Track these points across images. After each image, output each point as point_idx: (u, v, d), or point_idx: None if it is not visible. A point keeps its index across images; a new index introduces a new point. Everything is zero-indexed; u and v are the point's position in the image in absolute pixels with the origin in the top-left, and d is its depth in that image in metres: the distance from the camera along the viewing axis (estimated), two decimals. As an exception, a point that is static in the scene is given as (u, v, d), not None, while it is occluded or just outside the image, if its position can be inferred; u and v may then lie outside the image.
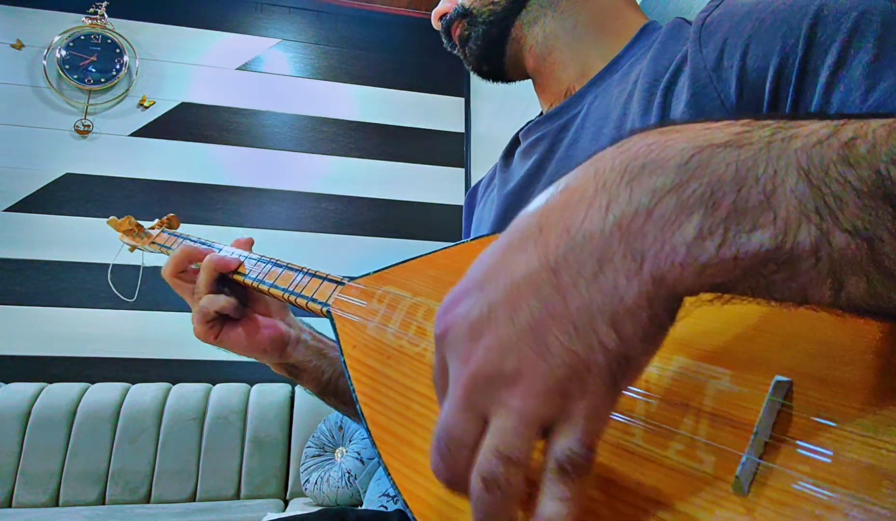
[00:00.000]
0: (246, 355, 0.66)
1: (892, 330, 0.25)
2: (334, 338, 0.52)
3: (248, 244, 0.71)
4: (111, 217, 0.84)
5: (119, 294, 0.76)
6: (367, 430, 0.43)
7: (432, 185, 2.81)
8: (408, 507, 0.36)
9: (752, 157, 0.22)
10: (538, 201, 0.26)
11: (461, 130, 2.92)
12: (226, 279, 0.66)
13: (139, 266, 0.90)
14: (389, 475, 0.39)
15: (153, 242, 0.79)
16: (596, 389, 0.23)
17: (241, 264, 0.66)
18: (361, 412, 0.44)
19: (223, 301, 0.63)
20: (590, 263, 0.23)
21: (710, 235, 0.22)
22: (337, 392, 0.70)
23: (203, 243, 0.73)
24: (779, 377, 0.27)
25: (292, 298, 0.59)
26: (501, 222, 0.62)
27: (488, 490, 0.24)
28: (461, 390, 0.25)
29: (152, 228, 0.84)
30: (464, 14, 0.64)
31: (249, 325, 0.65)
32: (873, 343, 0.26)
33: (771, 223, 0.21)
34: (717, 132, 0.24)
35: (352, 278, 0.57)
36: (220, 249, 0.71)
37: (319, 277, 0.60)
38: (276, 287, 0.61)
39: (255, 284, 0.64)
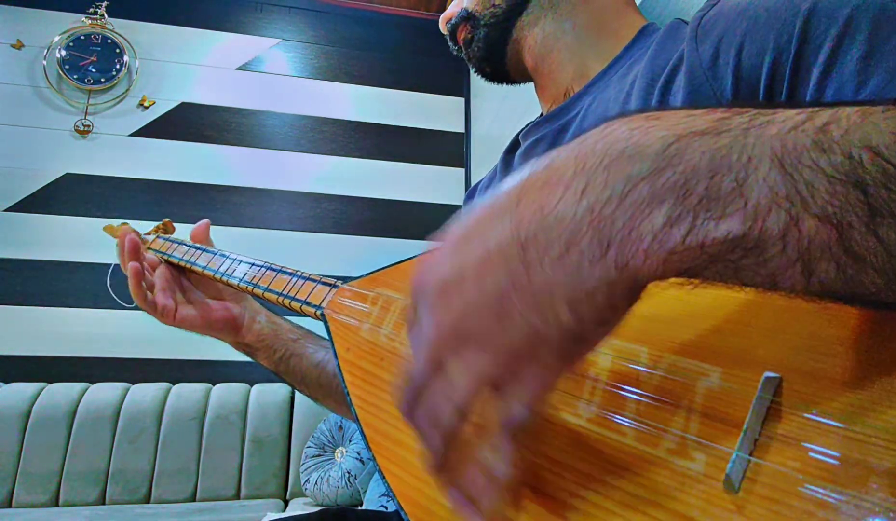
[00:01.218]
0: (203, 333, 0.74)
1: (879, 322, 0.25)
2: (328, 341, 0.52)
3: (205, 228, 0.81)
4: (108, 224, 0.85)
5: (118, 299, 0.77)
6: (362, 432, 0.43)
7: (432, 185, 2.81)
8: (402, 508, 0.36)
9: (728, 145, 0.22)
10: (522, 174, 0.27)
11: (461, 130, 2.92)
12: (181, 270, 0.75)
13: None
14: (384, 477, 0.39)
15: (149, 248, 0.81)
16: (545, 360, 0.25)
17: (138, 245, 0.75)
18: (356, 415, 0.44)
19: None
20: (557, 244, 0.24)
21: (678, 222, 0.22)
22: (289, 371, 0.76)
23: (199, 249, 0.75)
24: (768, 374, 0.27)
25: (286, 301, 0.60)
26: None
27: (431, 425, 0.27)
28: (427, 342, 0.27)
29: (148, 234, 0.85)
30: (467, 17, 0.65)
31: (202, 308, 0.73)
32: (862, 337, 0.25)
33: (740, 210, 0.21)
34: (698, 119, 0.24)
35: (345, 281, 0.57)
36: (216, 253, 0.72)
37: (313, 280, 0.60)
38: (271, 291, 0.62)
39: (241, 285, 0.67)
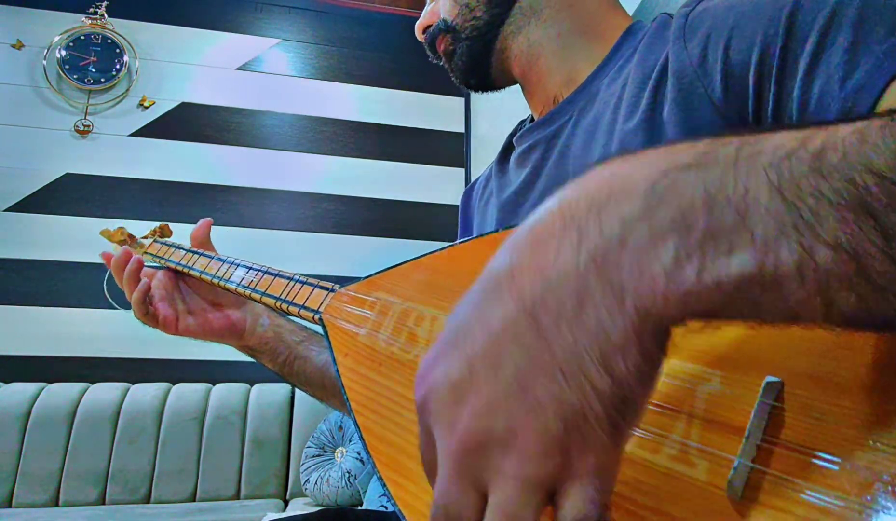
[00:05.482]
0: (207, 340, 0.75)
1: None
2: (327, 346, 0.52)
3: (206, 227, 0.80)
4: (104, 228, 0.85)
5: (114, 303, 0.77)
6: (361, 438, 0.42)
7: (432, 185, 2.80)
8: (403, 516, 0.36)
9: (720, 177, 0.21)
10: (505, 248, 0.25)
11: (461, 130, 2.91)
12: (178, 274, 0.76)
13: None
14: (384, 484, 0.38)
15: (146, 253, 0.80)
16: (597, 439, 0.21)
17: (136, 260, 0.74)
18: (355, 421, 0.44)
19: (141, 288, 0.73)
20: (569, 302, 0.22)
21: (688, 260, 0.21)
22: (293, 373, 0.77)
23: (196, 253, 0.75)
24: (769, 378, 0.26)
25: (284, 305, 0.60)
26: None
27: None
28: (452, 462, 0.23)
29: (145, 237, 0.85)
30: (446, 29, 0.63)
31: (202, 318, 0.74)
32: (864, 340, 0.25)
33: (749, 244, 0.20)
34: (679, 155, 0.23)
35: (343, 285, 0.57)
36: (213, 257, 0.72)
37: (311, 284, 0.60)
38: (268, 295, 0.62)
39: (239, 290, 0.67)
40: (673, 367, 0.30)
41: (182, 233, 0.83)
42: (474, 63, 0.63)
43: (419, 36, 0.68)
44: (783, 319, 0.22)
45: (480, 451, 0.22)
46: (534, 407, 0.21)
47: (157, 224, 0.85)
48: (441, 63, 0.67)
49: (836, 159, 0.20)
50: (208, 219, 0.81)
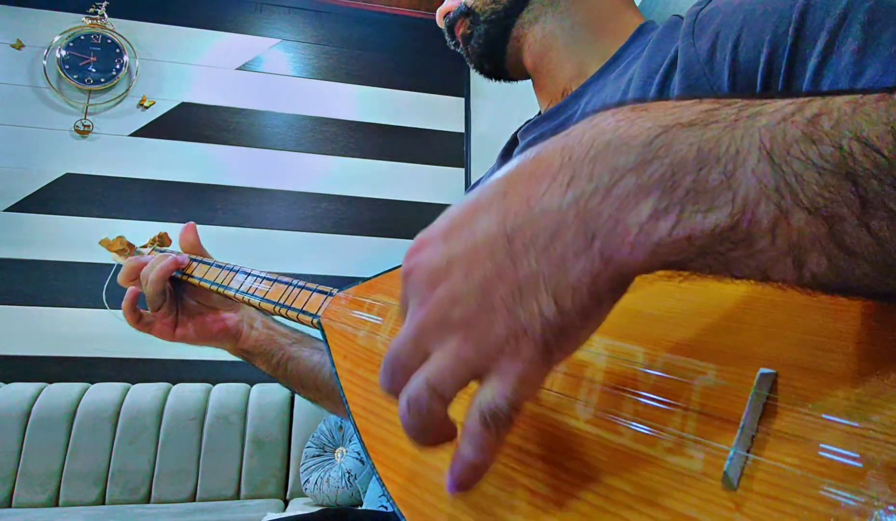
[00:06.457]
0: (204, 345, 0.77)
1: (874, 316, 0.25)
2: (325, 349, 0.52)
3: (192, 229, 0.81)
4: (103, 238, 0.86)
5: (115, 315, 0.78)
6: (361, 440, 0.42)
7: (432, 185, 2.81)
8: (402, 515, 0.35)
9: (716, 137, 0.22)
10: (511, 166, 0.27)
11: (461, 130, 2.92)
12: (179, 282, 0.76)
13: None
14: (384, 485, 0.38)
15: None
16: (528, 354, 0.25)
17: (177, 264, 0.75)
18: (354, 423, 0.44)
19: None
20: (542, 235, 0.24)
21: (665, 215, 0.22)
22: (287, 375, 0.78)
23: (195, 260, 0.75)
24: (763, 370, 0.26)
25: (283, 311, 0.60)
26: None
27: (409, 411, 0.27)
28: (415, 326, 0.28)
29: (144, 246, 0.85)
30: (466, 13, 0.65)
31: (202, 320, 0.75)
32: (857, 331, 0.25)
33: (729, 203, 0.21)
34: (685, 111, 0.24)
35: (341, 288, 0.57)
36: (212, 264, 0.73)
37: (309, 288, 0.60)
38: (267, 301, 0.62)
39: (238, 296, 0.67)
40: (668, 361, 0.30)
41: (177, 234, 0.83)
42: (490, 48, 0.65)
43: (440, 22, 0.69)
44: (753, 276, 0.23)
45: (437, 328, 0.27)
46: (488, 309, 0.25)
47: (157, 233, 0.85)
48: (458, 49, 0.69)
49: (829, 126, 0.21)
50: (191, 223, 0.82)
